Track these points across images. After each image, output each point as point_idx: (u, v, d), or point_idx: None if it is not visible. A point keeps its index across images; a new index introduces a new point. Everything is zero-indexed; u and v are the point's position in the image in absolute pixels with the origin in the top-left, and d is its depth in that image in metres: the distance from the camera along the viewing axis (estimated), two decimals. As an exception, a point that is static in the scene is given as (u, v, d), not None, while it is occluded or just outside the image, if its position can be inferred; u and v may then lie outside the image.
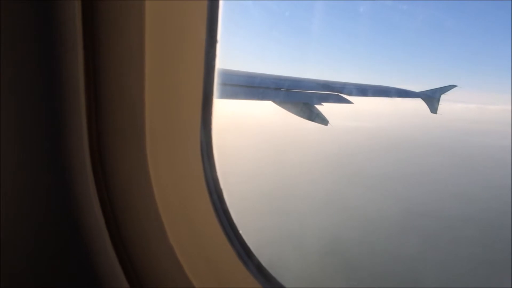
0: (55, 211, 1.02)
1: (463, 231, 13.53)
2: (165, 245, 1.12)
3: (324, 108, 7.63)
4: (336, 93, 8.01)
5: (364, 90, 8.96)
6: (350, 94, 8.11)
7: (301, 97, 7.61)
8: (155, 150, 1.07)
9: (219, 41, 1.12)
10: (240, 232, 1.26)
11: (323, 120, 7.56)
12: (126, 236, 1.10)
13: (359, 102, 8.59)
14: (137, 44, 0.99)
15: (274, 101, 7.37)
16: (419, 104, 9.32)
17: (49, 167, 0.99)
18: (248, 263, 1.26)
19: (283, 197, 15.52)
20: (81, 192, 1.02)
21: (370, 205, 15.43)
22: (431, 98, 9.19)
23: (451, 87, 9.45)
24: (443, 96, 9.26)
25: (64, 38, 0.94)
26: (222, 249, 1.22)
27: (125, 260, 1.11)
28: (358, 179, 18.87)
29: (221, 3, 1.13)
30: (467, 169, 22.47)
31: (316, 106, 7.58)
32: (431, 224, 13.99)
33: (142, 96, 1.02)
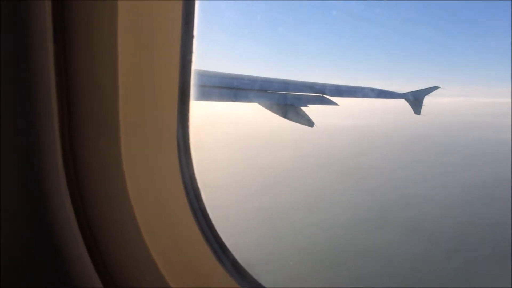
0: (25, 208, 1.00)
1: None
2: (139, 244, 1.11)
3: (309, 110, 7.70)
4: (321, 95, 8.08)
5: (349, 92, 9.07)
6: (335, 95, 8.20)
7: (287, 99, 7.67)
8: (129, 147, 1.06)
9: (195, 38, 1.12)
10: (217, 230, 1.26)
11: (308, 122, 7.64)
12: (99, 235, 1.09)
13: (344, 103, 8.67)
14: (109, 41, 0.98)
15: (260, 103, 7.41)
16: (404, 104, 9.46)
17: (18, 162, 0.97)
18: (224, 261, 1.26)
19: (264, 196, 15.42)
20: (51, 190, 1.00)
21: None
22: (415, 99, 9.34)
23: (434, 88, 9.62)
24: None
25: (34, 36, 0.93)
26: (198, 248, 1.21)
27: (99, 259, 1.10)
28: (350, 181, 18.72)
29: (197, 3, 1.14)
30: (470, 164, 21.83)
31: (302, 107, 7.65)
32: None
33: (116, 93, 1.01)
